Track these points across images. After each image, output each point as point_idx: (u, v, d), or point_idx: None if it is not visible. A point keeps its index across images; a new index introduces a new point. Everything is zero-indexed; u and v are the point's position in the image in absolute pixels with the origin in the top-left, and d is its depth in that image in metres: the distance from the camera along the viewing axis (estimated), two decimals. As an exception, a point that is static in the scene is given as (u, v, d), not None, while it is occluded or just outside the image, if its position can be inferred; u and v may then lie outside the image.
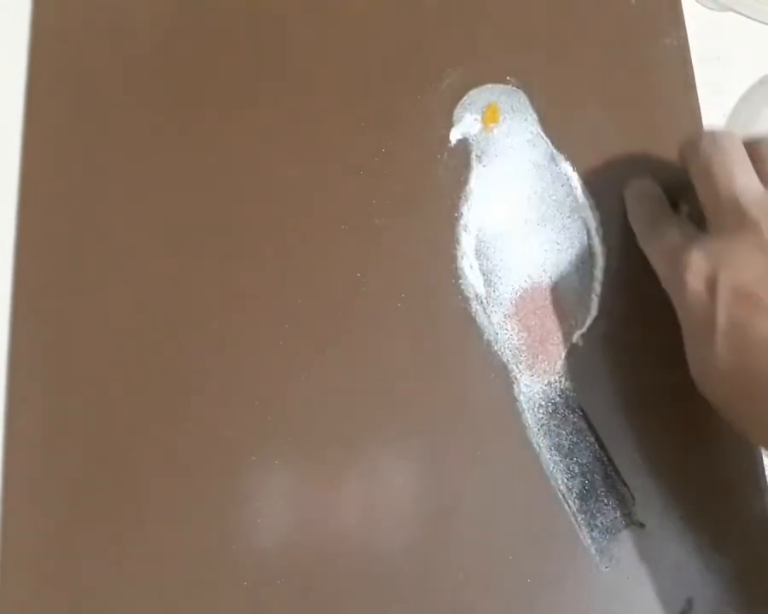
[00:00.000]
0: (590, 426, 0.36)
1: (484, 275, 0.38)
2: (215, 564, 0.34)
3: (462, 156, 0.39)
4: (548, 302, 0.38)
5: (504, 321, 0.37)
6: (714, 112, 0.40)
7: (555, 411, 0.36)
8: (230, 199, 0.39)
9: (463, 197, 0.38)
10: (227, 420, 0.36)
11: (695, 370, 0.32)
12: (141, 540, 0.35)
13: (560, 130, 0.39)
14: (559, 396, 0.37)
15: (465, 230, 0.38)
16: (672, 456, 0.36)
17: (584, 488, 0.36)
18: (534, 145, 0.39)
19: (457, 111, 0.39)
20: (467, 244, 0.38)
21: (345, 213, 0.39)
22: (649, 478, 0.36)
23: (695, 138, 0.33)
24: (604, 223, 0.38)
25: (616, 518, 0.35)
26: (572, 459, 0.36)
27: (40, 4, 0.41)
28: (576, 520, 0.35)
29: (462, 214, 0.38)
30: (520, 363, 0.37)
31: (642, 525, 0.35)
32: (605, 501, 0.35)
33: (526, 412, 0.36)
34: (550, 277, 0.38)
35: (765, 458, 0.37)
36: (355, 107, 0.40)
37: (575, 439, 0.36)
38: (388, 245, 0.38)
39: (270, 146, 0.39)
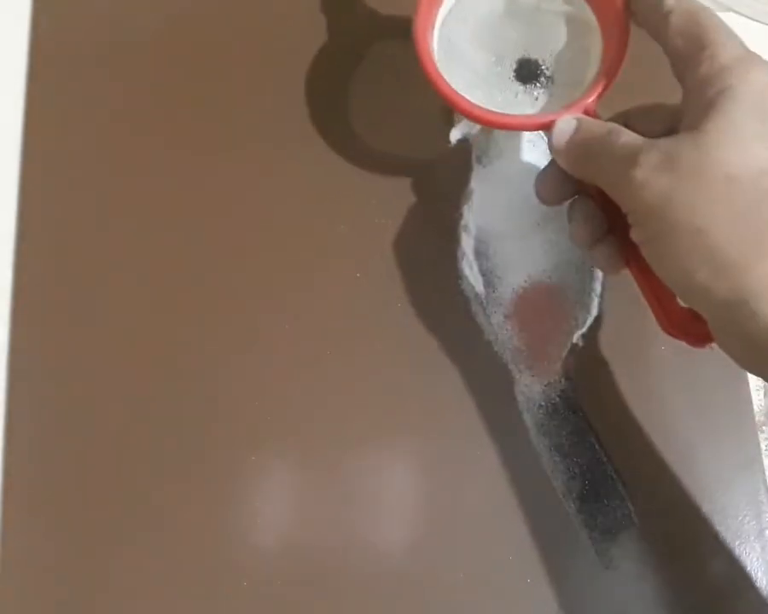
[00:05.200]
0: (590, 426, 0.36)
1: (484, 275, 0.38)
2: (215, 564, 0.34)
3: (462, 156, 0.39)
4: (548, 302, 0.38)
5: (504, 322, 0.37)
6: (714, 112, 0.40)
7: (555, 411, 0.36)
8: (230, 199, 0.39)
9: (463, 197, 0.38)
10: (227, 421, 0.36)
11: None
12: (140, 540, 0.35)
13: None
14: (559, 396, 0.37)
15: (465, 230, 0.38)
16: (672, 456, 0.36)
17: (584, 488, 0.36)
18: (534, 145, 0.39)
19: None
20: (467, 244, 0.38)
21: (345, 213, 0.39)
22: (649, 478, 0.36)
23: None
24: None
25: (616, 518, 0.35)
26: (572, 459, 0.36)
27: (40, 4, 0.41)
28: (576, 520, 0.35)
29: (462, 214, 0.38)
30: (520, 363, 0.37)
31: (641, 526, 0.35)
32: (605, 501, 0.35)
33: (525, 412, 0.36)
34: (550, 277, 0.38)
35: (765, 459, 0.37)
36: (355, 108, 0.40)
37: (575, 439, 0.36)
38: (388, 245, 0.38)
39: (269, 146, 0.39)
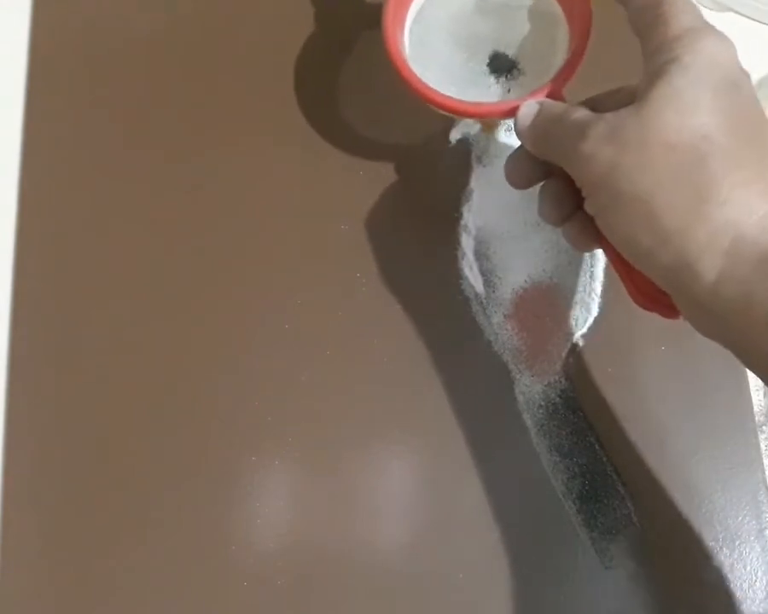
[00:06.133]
0: (590, 427, 0.36)
1: (483, 275, 0.38)
2: (215, 565, 0.34)
3: (462, 156, 0.39)
4: (548, 302, 0.38)
5: (504, 322, 0.37)
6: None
7: (555, 411, 0.36)
8: (229, 199, 0.39)
9: (463, 197, 0.38)
10: (227, 421, 0.36)
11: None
12: (141, 540, 0.35)
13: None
14: (559, 396, 0.37)
15: (465, 231, 0.38)
16: (672, 456, 0.36)
17: (584, 488, 0.36)
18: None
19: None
20: (466, 244, 0.38)
21: (345, 213, 0.39)
22: (649, 478, 0.36)
23: None
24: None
25: (616, 518, 0.35)
26: (572, 459, 0.36)
27: (40, 5, 0.41)
28: (576, 520, 0.35)
29: (462, 214, 0.38)
30: (520, 363, 0.37)
31: (641, 525, 0.35)
32: (605, 501, 0.35)
33: (525, 412, 0.36)
34: (550, 277, 0.38)
35: (765, 459, 0.37)
36: (355, 108, 0.40)
37: (575, 440, 0.36)
38: (388, 245, 0.38)
39: (269, 147, 0.39)
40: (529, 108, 0.30)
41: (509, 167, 0.32)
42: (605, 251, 0.30)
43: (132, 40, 0.41)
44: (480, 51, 0.35)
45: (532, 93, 0.31)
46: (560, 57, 0.33)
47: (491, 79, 0.35)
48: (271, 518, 0.35)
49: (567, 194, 0.30)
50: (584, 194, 0.28)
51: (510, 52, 0.35)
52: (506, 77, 0.35)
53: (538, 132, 0.29)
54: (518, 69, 0.35)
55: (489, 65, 0.35)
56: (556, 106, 0.29)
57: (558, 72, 0.31)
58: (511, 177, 0.32)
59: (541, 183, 0.31)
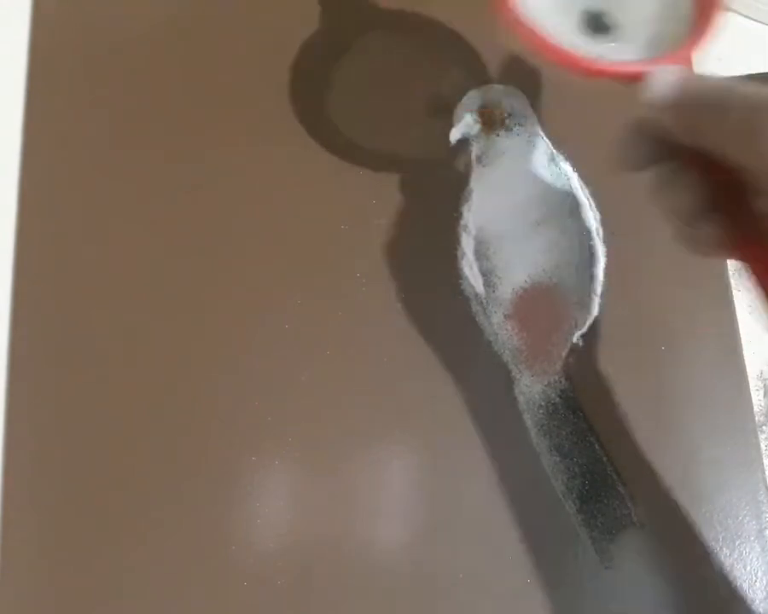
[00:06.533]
0: (590, 427, 0.36)
1: (483, 275, 0.38)
2: (215, 565, 0.34)
3: (462, 156, 0.39)
4: (548, 302, 0.38)
5: (504, 322, 0.37)
6: (714, 112, 0.40)
7: (555, 411, 0.36)
8: (231, 199, 0.39)
9: (463, 197, 0.38)
10: (227, 421, 0.36)
11: None
12: (141, 540, 0.35)
13: (560, 130, 0.39)
14: (559, 396, 0.37)
15: (465, 231, 0.38)
16: (672, 456, 0.36)
17: (584, 488, 0.36)
18: (534, 145, 0.39)
19: (457, 111, 0.39)
20: (466, 244, 0.38)
21: (345, 213, 0.39)
22: (649, 478, 0.36)
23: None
24: (604, 224, 0.38)
25: (616, 518, 0.35)
26: (572, 459, 0.36)
27: (40, 5, 0.41)
28: (576, 520, 0.35)
29: (461, 214, 0.38)
30: (520, 363, 0.37)
31: (642, 525, 0.35)
32: (605, 501, 0.35)
33: (525, 412, 0.36)
34: (550, 277, 0.38)
35: (765, 459, 0.37)
36: (356, 108, 0.40)
37: (575, 440, 0.36)
38: (388, 245, 0.38)
39: (269, 147, 0.39)
40: (676, 76, 0.24)
41: (630, 143, 0.26)
42: (748, 260, 0.24)
43: (132, 40, 0.41)
44: (582, 11, 0.31)
45: (668, 57, 0.25)
46: (670, 25, 0.27)
47: (592, 41, 0.30)
48: (271, 518, 0.35)
49: (701, 185, 0.25)
50: (763, 187, 0.23)
51: (613, 13, 0.30)
52: (607, 37, 0.30)
53: (693, 106, 0.24)
54: (620, 30, 0.30)
55: (588, 24, 0.30)
56: (712, 78, 0.24)
57: (690, 36, 0.25)
58: (626, 155, 0.26)
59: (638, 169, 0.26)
